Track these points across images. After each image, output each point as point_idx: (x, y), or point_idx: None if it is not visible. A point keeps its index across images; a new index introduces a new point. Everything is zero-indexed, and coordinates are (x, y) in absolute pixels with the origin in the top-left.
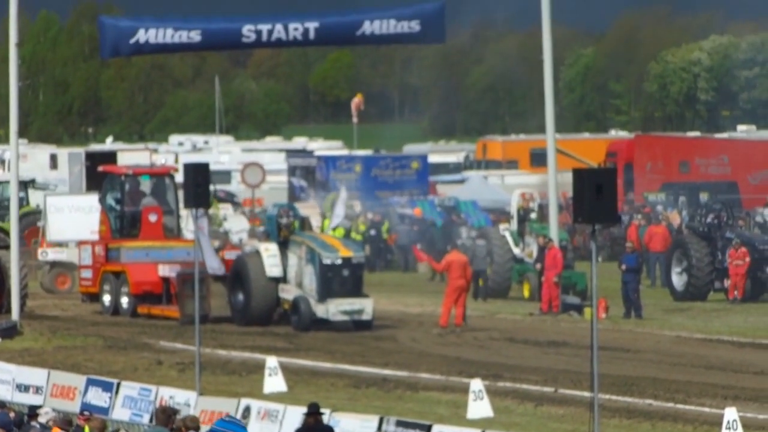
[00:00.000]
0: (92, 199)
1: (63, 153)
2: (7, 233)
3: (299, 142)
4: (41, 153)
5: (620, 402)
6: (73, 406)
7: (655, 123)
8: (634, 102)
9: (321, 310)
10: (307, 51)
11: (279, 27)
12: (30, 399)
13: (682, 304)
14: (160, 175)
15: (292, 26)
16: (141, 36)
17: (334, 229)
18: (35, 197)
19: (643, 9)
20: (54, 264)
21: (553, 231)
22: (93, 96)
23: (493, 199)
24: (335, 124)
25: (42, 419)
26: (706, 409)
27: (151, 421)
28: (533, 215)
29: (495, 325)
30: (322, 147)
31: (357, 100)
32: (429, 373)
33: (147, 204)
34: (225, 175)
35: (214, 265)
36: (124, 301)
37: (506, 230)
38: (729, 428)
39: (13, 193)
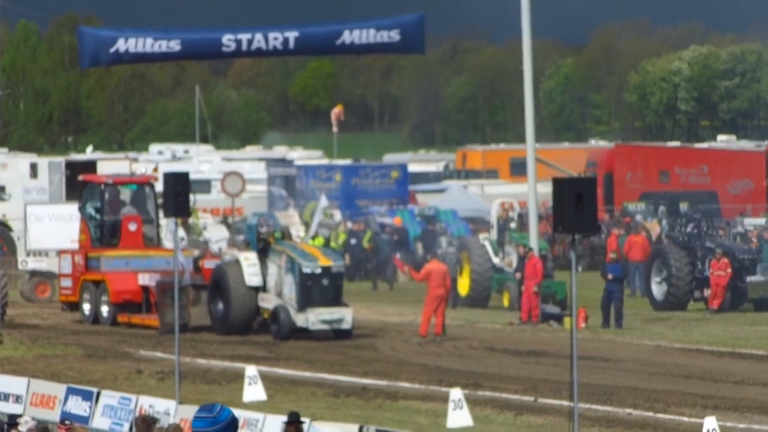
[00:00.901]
0: (72, 208)
1: (43, 162)
2: None
3: (279, 151)
4: (21, 162)
5: (600, 411)
6: (53, 415)
7: (635, 133)
8: (614, 112)
9: (301, 319)
10: (287, 60)
11: (259, 36)
12: (10, 408)
13: (661, 313)
14: (140, 184)
15: (272, 35)
16: (121, 45)
17: (313, 238)
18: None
19: (623, 20)
20: (34, 273)
21: (533, 240)
22: (73, 105)
23: (472, 208)
24: (315, 133)
25: (22, 428)
26: (686, 419)
27: (131, 430)
28: (513, 225)
29: (475, 335)
30: (302, 156)
31: (337, 110)
32: (409, 383)
33: (127, 213)
34: (205, 185)
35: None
36: (104, 310)
37: (486, 239)
38: None
39: None
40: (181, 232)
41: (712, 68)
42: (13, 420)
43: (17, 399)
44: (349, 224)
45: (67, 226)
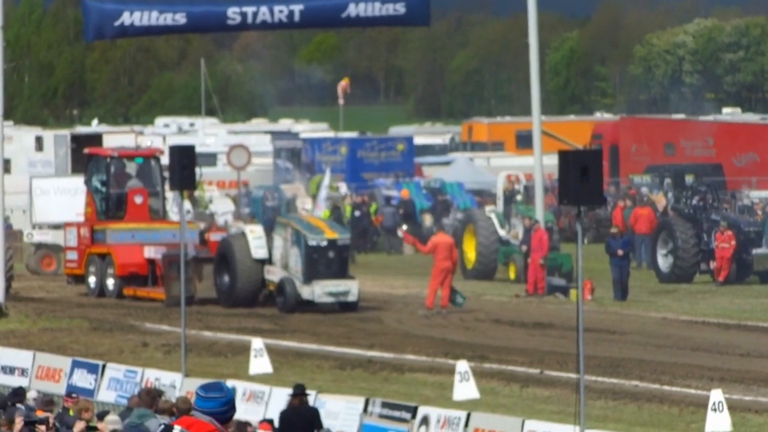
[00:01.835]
0: (78, 182)
1: (48, 135)
2: None
3: (285, 124)
4: (26, 135)
5: (606, 383)
6: (59, 388)
7: (640, 105)
8: (619, 85)
9: (306, 291)
10: (292, 33)
11: (264, 9)
12: (15, 381)
13: (667, 286)
14: (145, 158)
15: (277, 8)
16: (126, 19)
17: (323, 212)
18: None
19: None
20: (40, 246)
21: (539, 213)
22: (78, 79)
23: (478, 180)
24: (321, 106)
25: (29, 402)
26: (692, 391)
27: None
28: (519, 197)
29: (481, 307)
30: (308, 129)
31: (344, 83)
32: (415, 355)
33: (133, 186)
34: (211, 158)
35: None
36: (110, 282)
37: (492, 212)
38: (715, 409)
39: None
40: (187, 205)
41: (717, 41)
42: (18, 393)
43: (23, 372)
44: (354, 197)
45: (72, 199)
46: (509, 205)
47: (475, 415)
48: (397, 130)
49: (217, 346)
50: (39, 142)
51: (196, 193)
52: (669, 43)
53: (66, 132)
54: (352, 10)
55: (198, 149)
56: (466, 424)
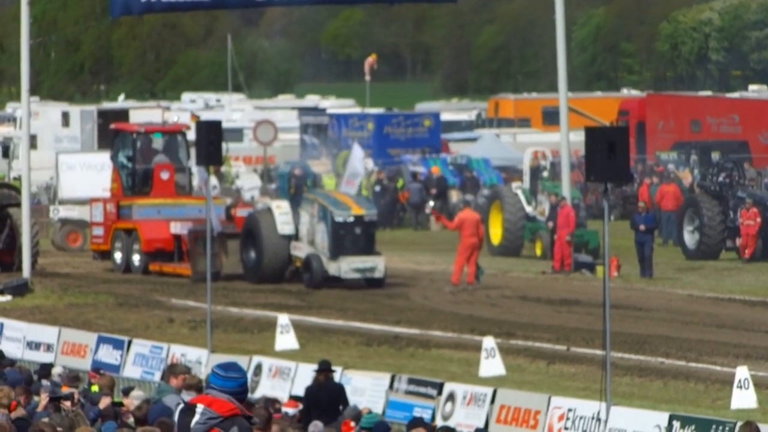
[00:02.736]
0: (104, 157)
1: (75, 111)
2: (18, 191)
3: (311, 100)
4: (53, 111)
5: (632, 360)
6: (84, 364)
7: (666, 82)
8: (645, 62)
9: (333, 267)
10: (318, 9)
11: None
12: (41, 357)
13: (693, 262)
14: (172, 133)
15: None
16: None
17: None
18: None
19: None
20: (65, 221)
21: (566, 189)
22: (104, 55)
23: (505, 157)
24: (347, 82)
25: (54, 378)
26: (718, 368)
27: (162, 378)
28: (545, 173)
29: (507, 283)
30: (335, 105)
31: (371, 60)
32: (441, 331)
33: (159, 161)
34: (237, 133)
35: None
36: (136, 258)
37: (518, 188)
38: (740, 386)
39: (24, 150)
40: (214, 181)
41: (743, 18)
42: (45, 369)
43: (48, 348)
44: (380, 173)
45: (98, 175)
46: (535, 182)
47: (501, 391)
48: (423, 107)
49: (243, 322)
50: (65, 118)
51: (223, 168)
52: (695, 20)
53: (92, 107)
54: None
55: (224, 125)
56: (492, 401)
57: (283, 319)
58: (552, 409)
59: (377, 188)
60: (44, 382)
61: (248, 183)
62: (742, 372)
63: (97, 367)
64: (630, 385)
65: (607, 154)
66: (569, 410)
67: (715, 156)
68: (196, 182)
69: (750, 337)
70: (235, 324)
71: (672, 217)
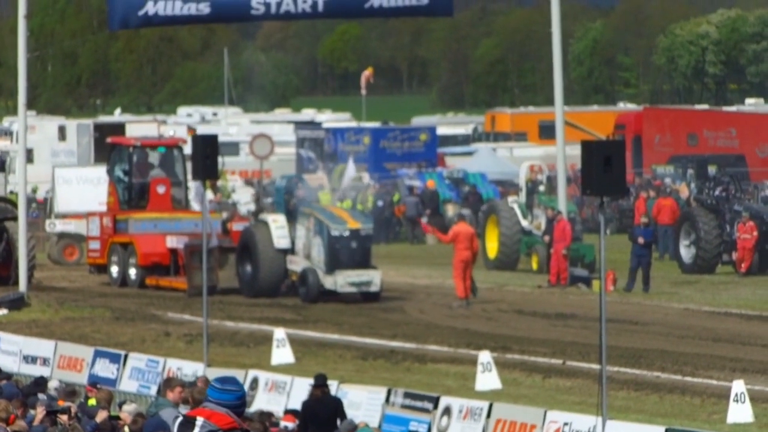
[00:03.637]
0: (100, 171)
1: (71, 124)
2: (15, 205)
3: (308, 113)
4: (49, 124)
5: (628, 374)
6: (81, 378)
7: (663, 96)
8: (642, 75)
9: (329, 281)
10: (315, 23)
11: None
12: (37, 370)
13: (690, 276)
14: (168, 147)
15: None
16: (150, 8)
17: (342, 201)
18: None
19: None
20: (62, 235)
21: (562, 203)
22: (101, 68)
23: (501, 171)
24: (343, 96)
25: (50, 391)
26: (714, 382)
27: (158, 392)
28: (542, 187)
29: (503, 297)
30: (331, 119)
31: (368, 73)
32: (437, 345)
33: (155, 175)
34: (233, 147)
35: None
36: (132, 272)
37: (515, 202)
38: (737, 401)
39: (20, 164)
40: (210, 195)
41: (740, 31)
42: (40, 383)
43: (45, 362)
44: (377, 186)
45: (95, 189)
46: (532, 196)
47: (497, 405)
48: (419, 120)
49: (239, 336)
50: (62, 132)
51: (219, 182)
52: (692, 33)
53: (89, 121)
54: (376, 0)
55: (221, 139)
56: (488, 415)
57: (279, 333)
58: (548, 423)
59: (380, 203)
60: (41, 395)
61: (244, 197)
62: (738, 386)
63: (94, 381)
64: (626, 399)
65: (604, 167)
66: (565, 424)
67: (712, 170)
68: (192, 196)
69: (746, 351)
70: (231, 338)
71: (668, 231)
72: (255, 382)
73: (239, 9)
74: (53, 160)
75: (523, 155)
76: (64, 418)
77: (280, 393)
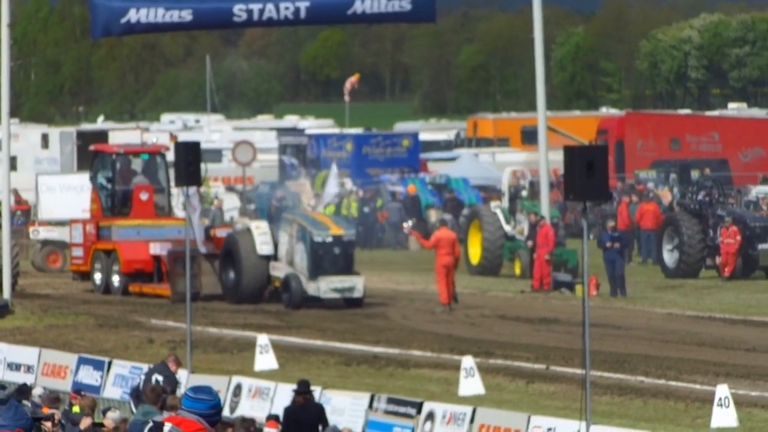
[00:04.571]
0: (83, 178)
1: (54, 132)
2: None
3: (290, 120)
4: (32, 132)
5: (612, 379)
6: (65, 385)
7: (645, 101)
8: (624, 80)
9: (312, 287)
10: (298, 30)
11: (270, 6)
12: (21, 378)
13: (673, 281)
14: (151, 154)
15: (283, 5)
16: (132, 16)
17: (325, 207)
18: None
19: None
20: (45, 242)
21: (545, 208)
22: (84, 76)
23: (484, 176)
24: (326, 102)
25: (34, 398)
26: (698, 386)
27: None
28: (524, 193)
29: (486, 303)
30: (313, 125)
31: (353, 79)
32: (420, 351)
33: (138, 182)
34: (216, 154)
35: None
36: (115, 279)
37: (497, 208)
38: (720, 405)
39: (3, 172)
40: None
41: (723, 36)
42: (24, 390)
43: (28, 369)
44: (361, 193)
45: (78, 196)
46: (515, 201)
47: (481, 410)
48: (402, 126)
49: (223, 343)
50: (45, 140)
51: (202, 189)
52: (675, 38)
53: (72, 129)
54: (358, 6)
55: (203, 146)
56: (472, 420)
57: (263, 339)
58: (531, 428)
59: (366, 209)
60: (24, 402)
61: (227, 203)
62: (722, 390)
63: (78, 389)
64: (610, 404)
65: (586, 173)
66: (549, 429)
67: (695, 174)
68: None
69: (730, 356)
70: (214, 344)
71: (651, 235)
72: (238, 388)
73: (221, 16)
74: (36, 167)
75: (506, 161)
76: (48, 425)
77: (263, 399)
